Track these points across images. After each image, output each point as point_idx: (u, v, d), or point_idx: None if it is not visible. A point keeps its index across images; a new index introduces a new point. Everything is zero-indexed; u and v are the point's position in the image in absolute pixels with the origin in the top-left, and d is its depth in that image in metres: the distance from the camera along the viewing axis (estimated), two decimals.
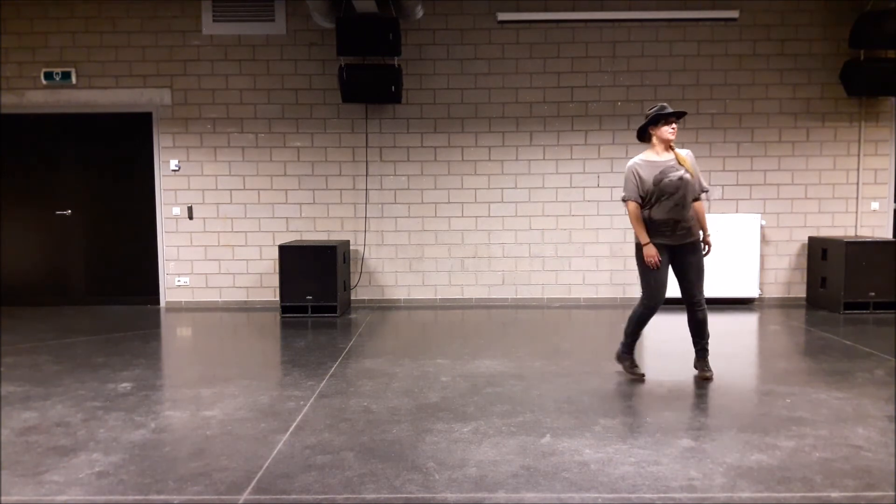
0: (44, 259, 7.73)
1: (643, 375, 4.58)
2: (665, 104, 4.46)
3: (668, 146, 4.44)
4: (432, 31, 7.43)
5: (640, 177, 4.40)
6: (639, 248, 4.47)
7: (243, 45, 7.45)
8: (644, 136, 4.55)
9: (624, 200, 4.51)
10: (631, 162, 4.49)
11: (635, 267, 4.69)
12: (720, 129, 7.51)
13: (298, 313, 6.93)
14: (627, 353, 4.67)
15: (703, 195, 4.58)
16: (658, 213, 4.39)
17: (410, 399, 4.16)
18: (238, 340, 6.00)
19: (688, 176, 4.37)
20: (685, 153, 4.48)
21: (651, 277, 4.44)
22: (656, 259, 4.37)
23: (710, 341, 4.62)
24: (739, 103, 7.49)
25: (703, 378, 4.51)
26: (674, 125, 4.41)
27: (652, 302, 4.47)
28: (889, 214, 7.60)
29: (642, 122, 4.54)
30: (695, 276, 4.46)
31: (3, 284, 7.69)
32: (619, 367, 4.77)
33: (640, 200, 4.42)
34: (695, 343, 4.61)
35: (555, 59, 7.45)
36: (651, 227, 4.42)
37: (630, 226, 4.63)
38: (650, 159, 4.44)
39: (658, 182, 4.35)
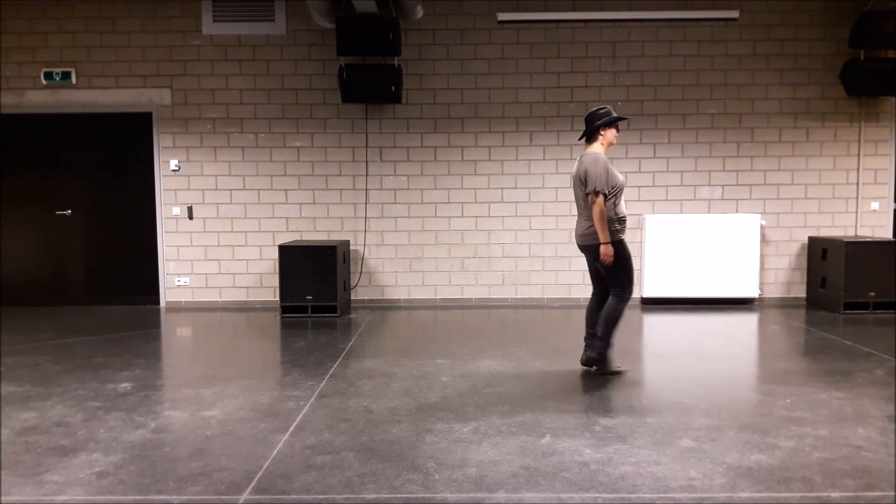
0: (44, 259, 7.73)
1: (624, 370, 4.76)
2: (610, 107, 4.67)
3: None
4: (432, 31, 7.43)
5: (609, 171, 4.52)
6: (614, 245, 4.52)
7: (243, 45, 7.45)
8: (593, 135, 4.64)
9: (598, 193, 4.46)
10: (601, 156, 4.55)
11: (635, 267, 4.71)
12: (720, 129, 7.51)
13: (298, 313, 6.93)
14: (606, 354, 4.70)
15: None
16: (622, 209, 4.59)
17: (410, 399, 4.16)
18: (238, 340, 6.00)
19: None
20: None
21: (630, 268, 4.60)
22: (612, 258, 4.55)
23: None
24: (739, 103, 7.49)
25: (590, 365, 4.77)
26: (618, 130, 4.72)
27: (630, 294, 4.64)
28: (889, 214, 7.60)
29: (596, 119, 4.62)
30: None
31: (3, 284, 7.69)
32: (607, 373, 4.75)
33: (605, 195, 4.52)
34: (592, 331, 4.75)
35: (555, 59, 7.45)
36: (620, 222, 4.57)
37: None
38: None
39: (620, 179, 4.56)
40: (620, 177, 4.58)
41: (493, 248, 7.61)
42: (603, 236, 4.46)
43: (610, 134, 4.63)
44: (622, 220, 4.58)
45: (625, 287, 4.60)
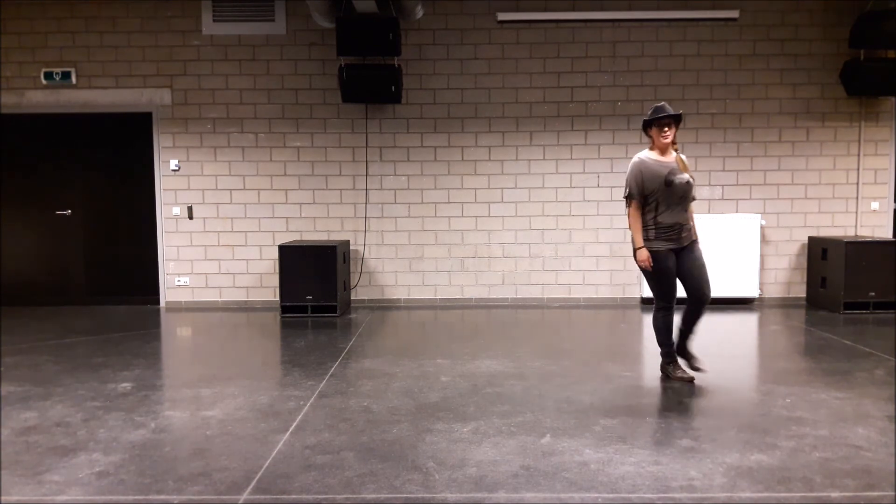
0: (44, 259, 7.73)
1: (692, 378, 4.46)
2: (664, 105, 4.37)
3: (667, 148, 4.39)
4: (432, 31, 7.43)
5: (644, 175, 4.31)
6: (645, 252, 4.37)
7: (243, 45, 7.45)
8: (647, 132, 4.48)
9: (628, 198, 4.41)
10: (636, 157, 4.40)
11: (635, 267, 4.69)
12: (720, 129, 7.51)
13: (298, 313, 6.93)
14: (670, 359, 4.58)
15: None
16: (667, 217, 4.33)
17: (410, 399, 4.16)
18: (238, 340, 6.00)
19: (689, 180, 4.37)
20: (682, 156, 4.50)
21: (664, 283, 4.43)
22: (648, 263, 4.35)
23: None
24: (739, 103, 7.49)
25: (694, 370, 4.49)
26: (666, 130, 4.32)
27: (669, 303, 4.48)
28: (889, 214, 7.60)
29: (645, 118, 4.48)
30: (705, 273, 4.39)
31: (3, 284, 7.69)
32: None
33: (641, 200, 4.36)
34: (685, 334, 4.52)
35: (555, 59, 7.45)
36: (658, 230, 4.35)
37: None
38: (655, 158, 4.37)
39: (669, 184, 4.28)
40: (654, 182, 4.30)
41: (493, 248, 7.61)
42: (634, 241, 4.39)
43: (654, 135, 4.37)
44: (660, 229, 4.34)
45: (657, 299, 4.50)
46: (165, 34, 7.44)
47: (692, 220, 4.50)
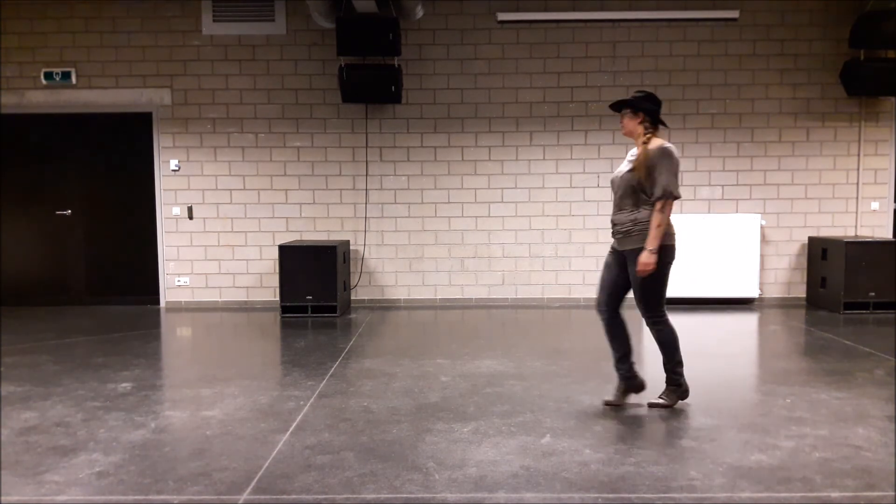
0: (44, 259, 7.73)
1: (610, 402, 4.01)
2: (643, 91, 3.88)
3: (636, 140, 3.81)
4: (432, 31, 7.43)
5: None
6: None
7: (243, 45, 7.45)
8: None
9: None
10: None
11: None
12: (720, 129, 7.51)
13: (298, 313, 6.93)
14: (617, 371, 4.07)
15: (659, 201, 3.65)
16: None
17: (410, 399, 4.16)
18: (238, 340, 6.00)
19: (626, 174, 3.76)
20: (654, 147, 3.70)
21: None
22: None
23: (677, 368, 3.93)
24: (739, 103, 7.49)
25: (650, 404, 3.95)
26: (621, 119, 3.85)
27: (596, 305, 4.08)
28: (889, 214, 7.60)
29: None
30: (633, 290, 3.86)
31: (3, 284, 7.69)
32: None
33: None
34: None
35: (555, 59, 7.45)
36: None
37: None
38: (630, 153, 3.94)
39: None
40: (614, 174, 3.96)
41: (493, 248, 7.61)
42: None
43: None
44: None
45: None
46: (165, 34, 7.44)
47: (634, 224, 3.75)
